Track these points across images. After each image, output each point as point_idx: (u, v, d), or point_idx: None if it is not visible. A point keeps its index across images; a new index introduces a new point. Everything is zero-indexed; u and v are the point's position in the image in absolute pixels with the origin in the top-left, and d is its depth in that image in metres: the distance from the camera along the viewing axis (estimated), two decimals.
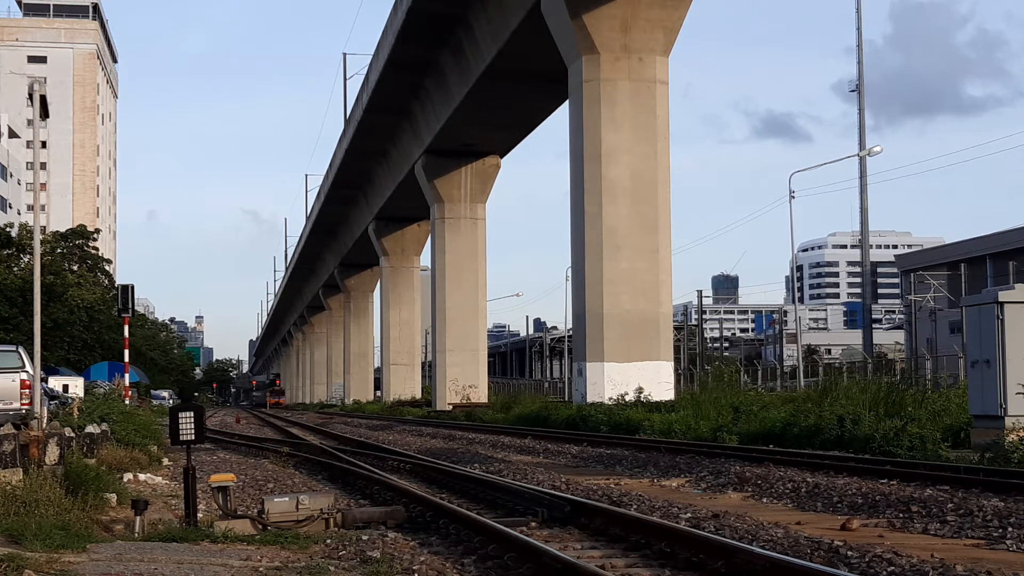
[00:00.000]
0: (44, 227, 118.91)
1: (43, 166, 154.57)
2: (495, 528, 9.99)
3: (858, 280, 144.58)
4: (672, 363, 37.43)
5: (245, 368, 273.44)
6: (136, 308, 43.02)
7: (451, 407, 56.41)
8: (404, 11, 46.21)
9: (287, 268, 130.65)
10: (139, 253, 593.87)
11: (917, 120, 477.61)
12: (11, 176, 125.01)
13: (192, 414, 11.53)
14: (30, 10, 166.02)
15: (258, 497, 14.19)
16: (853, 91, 65.03)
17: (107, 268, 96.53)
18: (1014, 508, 11.51)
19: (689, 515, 11.77)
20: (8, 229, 68.65)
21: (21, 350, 23.55)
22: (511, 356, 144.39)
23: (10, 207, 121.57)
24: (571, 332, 47.82)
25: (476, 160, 59.59)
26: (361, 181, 75.70)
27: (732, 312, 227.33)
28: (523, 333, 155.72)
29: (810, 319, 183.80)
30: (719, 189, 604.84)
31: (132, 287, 38.07)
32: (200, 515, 11.68)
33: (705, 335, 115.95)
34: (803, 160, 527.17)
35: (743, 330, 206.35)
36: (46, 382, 37.84)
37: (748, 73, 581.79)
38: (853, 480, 14.77)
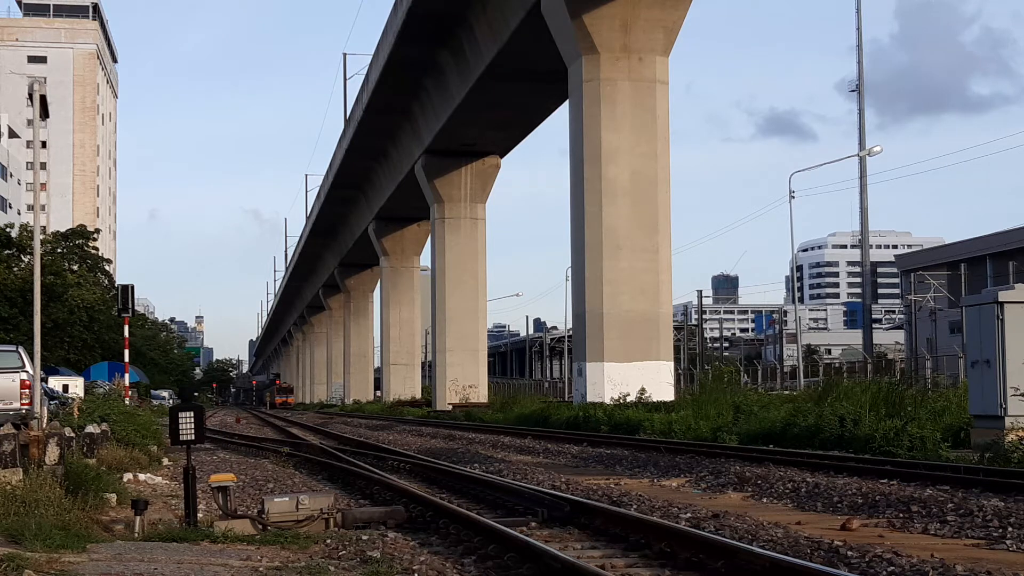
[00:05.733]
0: (44, 227, 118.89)
1: (43, 166, 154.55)
2: (495, 528, 9.99)
3: (858, 280, 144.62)
4: (672, 363, 37.44)
5: (245, 368, 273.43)
6: (136, 308, 42.98)
7: (451, 407, 56.42)
8: (404, 11, 46.22)
9: (287, 268, 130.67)
10: (139, 253, 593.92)
11: (923, 118, 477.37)
12: (11, 176, 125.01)
13: (192, 414, 11.52)
14: (30, 10, 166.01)
15: (258, 497, 14.19)
16: (853, 91, 65.09)
17: (107, 268, 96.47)
18: (1014, 508, 11.50)
19: (689, 515, 11.77)
20: (8, 229, 68.57)
21: (21, 350, 23.54)
22: (511, 356, 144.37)
23: (10, 207, 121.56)
24: (571, 332, 47.82)
25: (476, 160, 59.61)
26: (361, 181, 75.72)
27: (732, 312, 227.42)
28: (523, 333, 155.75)
29: (810, 319, 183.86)
30: (720, 189, 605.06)
31: (132, 287, 38.02)
32: (200, 515, 11.68)
33: (705, 335, 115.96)
34: (807, 159, 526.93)
35: (743, 330, 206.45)
36: (46, 382, 37.84)
37: (750, 72, 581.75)
38: (853, 480, 14.77)
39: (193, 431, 11.51)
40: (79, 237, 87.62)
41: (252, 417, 72.48)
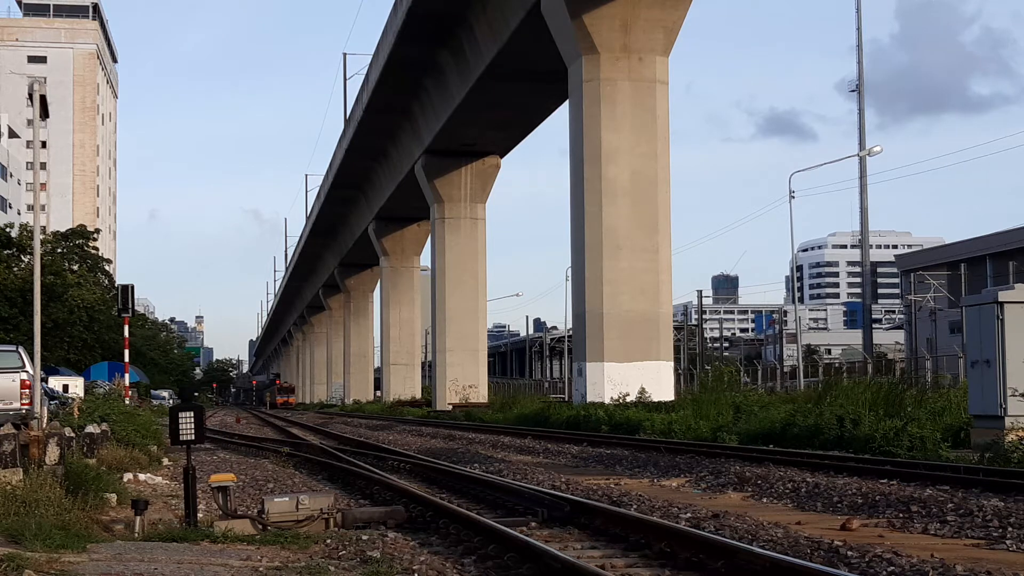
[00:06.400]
0: (44, 227, 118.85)
1: (43, 166, 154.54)
2: (495, 528, 9.99)
3: (858, 280, 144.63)
4: (672, 363, 37.45)
5: (245, 368, 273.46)
6: (136, 308, 42.95)
7: (451, 407, 56.42)
8: (404, 11, 46.23)
9: (287, 268, 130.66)
10: (139, 253, 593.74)
11: (923, 118, 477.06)
12: (11, 176, 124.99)
13: (192, 414, 11.52)
14: (30, 10, 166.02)
15: (258, 497, 14.19)
16: (853, 91, 65.07)
17: (107, 268, 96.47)
18: (1014, 508, 11.51)
19: (689, 515, 11.77)
20: (8, 229, 68.54)
21: (21, 350, 23.53)
22: (511, 356, 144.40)
23: (10, 207, 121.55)
24: (571, 332, 47.83)
25: (476, 160, 59.62)
26: (361, 181, 75.72)
27: (732, 312, 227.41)
28: (523, 333, 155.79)
29: (810, 319, 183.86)
30: (720, 189, 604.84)
31: (132, 287, 38.00)
32: (200, 515, 11.68)
33: (705, 335, 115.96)
34: (807, 159, 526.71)
35: (743, 330, 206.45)
36: (46, 382, 37.83)
37: (750, 72, 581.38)
38: (853, 480, 14.77)
39: (193, 431, 11.51)
40: (79, 237, 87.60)
41: (252, 417, 72.47)
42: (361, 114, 61.49)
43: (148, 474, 18.55)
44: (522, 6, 39.62)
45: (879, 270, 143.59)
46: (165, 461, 22.49)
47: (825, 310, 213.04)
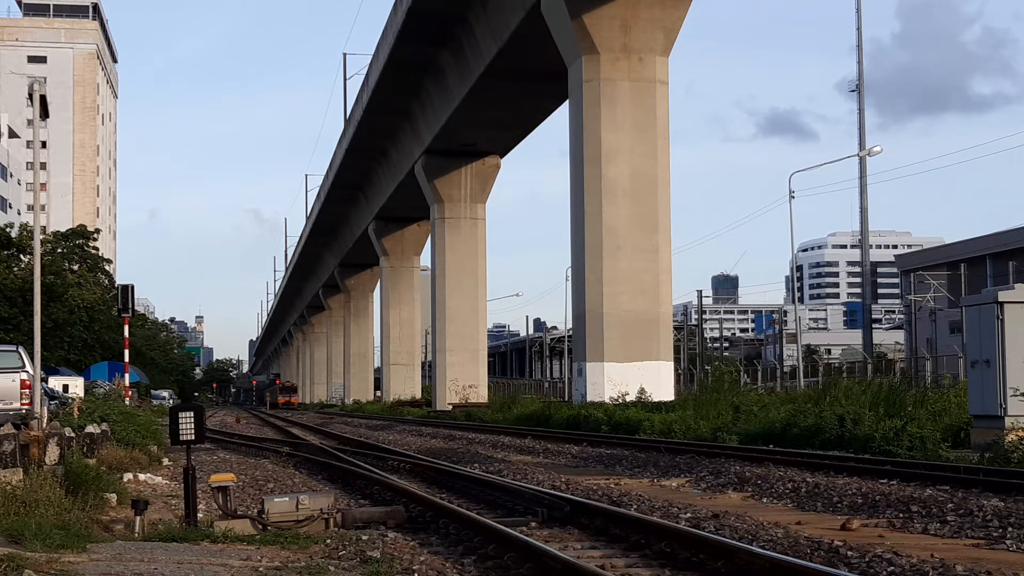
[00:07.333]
0: (44, 227, 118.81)
1: (43, 166, 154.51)
2: (495, 528, 9.99)
3: (858, 280, 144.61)
4: (672, 363, 37.46)
5: (245, 368, 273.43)
6: (136, 308, 42.95)
7: (451, 407, 56.42)
8: (404, 11, 46.23)
9: (287, 268, 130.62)
10: (139, 253, 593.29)
11: (924, 118, 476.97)
12: (11, 176, 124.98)
13: (192, 414, 11.53)
14: (30, 10, 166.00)
15: (258, 497, 14.19)
16: (853, 91, 65.04)
17: (107, 268, 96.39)
18: (1014, 508, 11.51)
19: (689, 515, 11.78)
20: (8, 229, 68.50)
21: (21, 350, 23.53)
22: (511, 356, 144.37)
23: (10, 207, 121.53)
24: (571, 332, 47.82)
25: (476, 160, 59.64)
26: (361, 181, 75.74)
27: (732, 312, 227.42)
28: (523, 333, 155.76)
29: (810, 319, 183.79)
30: (720, 189, 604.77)
31: (132, 287, 38.00)
32: (200, 515, 11.68)
33: (705, 335, 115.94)
34: (807, 159, 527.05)
35: (743, 330, 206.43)
36: (46, 382, 37.82)
37: (750, 72, 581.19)
38: (853, 480, 14.78)
39: (193, 431, 11.51)
40: (79, 237, 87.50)
41: (252, 417, 72.45)
42: (361, 114, 61.50)
43: (148, 474, 18.55)
44: (522, 6, 39.62)
45: (879, 270, 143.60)
46: (165, 461, 22.49)
47: (825, 310, 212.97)
